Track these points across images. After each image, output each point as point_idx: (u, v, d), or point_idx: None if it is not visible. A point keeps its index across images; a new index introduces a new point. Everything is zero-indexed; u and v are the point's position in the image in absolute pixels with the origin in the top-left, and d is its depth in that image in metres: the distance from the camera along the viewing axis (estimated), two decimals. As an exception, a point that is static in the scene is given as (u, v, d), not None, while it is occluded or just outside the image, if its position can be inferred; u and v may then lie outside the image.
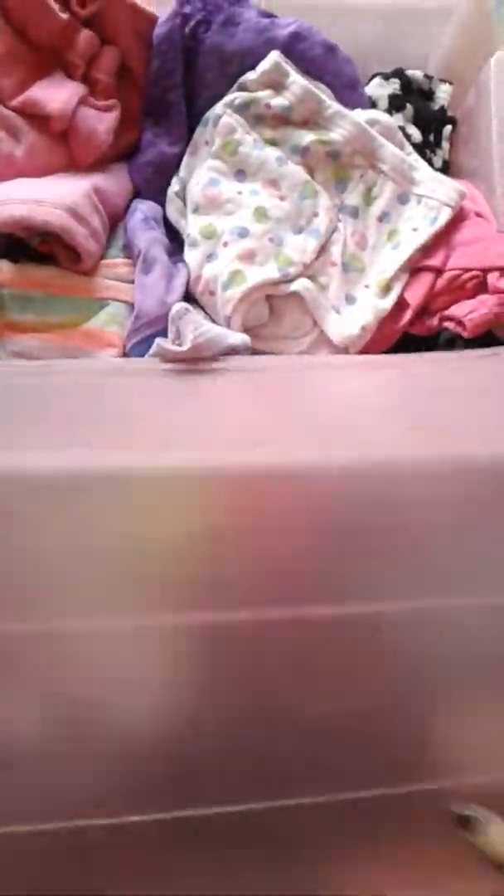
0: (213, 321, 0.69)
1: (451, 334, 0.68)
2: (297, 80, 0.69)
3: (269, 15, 0.71)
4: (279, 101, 0.69)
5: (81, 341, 0.67)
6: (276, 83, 0.69)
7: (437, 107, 0.79)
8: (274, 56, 0.69)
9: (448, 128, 0.79)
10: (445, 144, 0.79)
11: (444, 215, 0.69)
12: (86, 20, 0.69)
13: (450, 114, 0.79)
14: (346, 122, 0.69)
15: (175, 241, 0.71)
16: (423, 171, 0.71)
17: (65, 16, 0.67)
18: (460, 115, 0.79)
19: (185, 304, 0.65)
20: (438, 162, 0.78)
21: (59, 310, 0.67)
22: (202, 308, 0.70)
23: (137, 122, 0.72)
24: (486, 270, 0.67)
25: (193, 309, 0.65)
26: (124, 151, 0.73)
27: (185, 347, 0.62)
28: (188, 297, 0.69)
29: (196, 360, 0.63)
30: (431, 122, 0.78)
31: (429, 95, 0.79)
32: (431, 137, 0.78)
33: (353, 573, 0.61)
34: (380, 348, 0.70)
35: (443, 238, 0.69)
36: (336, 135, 0.70)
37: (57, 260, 0.68)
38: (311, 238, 0.69)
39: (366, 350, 0.69)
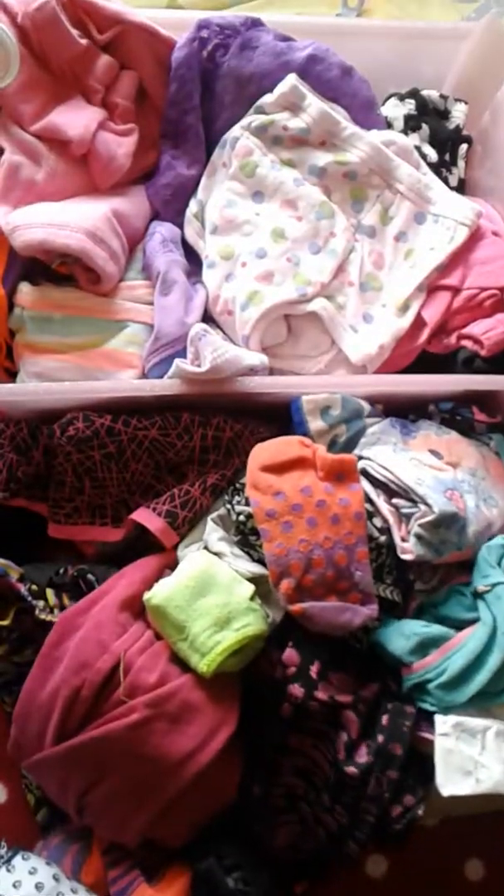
0: (232, 341, 0.69)
1: (468, 353, 0.68)
2: (313, 103, 0.69)
3: (286, 38, 0.72)
4: (296, 123, 0.70)
5: (101, 362, 0.68)
6: (294, 105, 0.70)
7: (452, 126, 0.79)
8: (291, 79, 0.69)
9: (464, 147, 0.79)
10: (461, 163, 0.79)
11: (461, 234, 0.69)
12: (104, 46, 0.69)
13: (465, 133, 0.79)
14: (362, 143, 0.70)
15: (193, 262, 0.72)
16: (439, 190, 0.71)
17: (84, 42, 0.68)
18: (476, 135, 0.80)
19: (203, 325, 0.65)
20: (454, 181, 0.78)
21: (79, 331, 0.68)
22: (220, 328, 0.71)
23: (155, 144, 0.73)
24: (503, 289, 0.67)
25: (212, 330, 0.66)
26: (142, 174, 0.74)
27: (204, 368, 0.62)
28: (206, 317, 0.70)
29: (215, 381, 0.63)
30: (447, 142, 0.78)
31: (444, 115, 0.80)
32: (447, 156, 0.79)
33: None
34: (397, 367, 0.70)
35: (460, 257, 0.69)
36: (353, 155, 0.70)
37: (77, 281, 0.68)
38: (329, 258, 0.69)
39: (384, 369, 0.69)
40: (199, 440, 0.64)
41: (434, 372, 0.69)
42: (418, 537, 0.60)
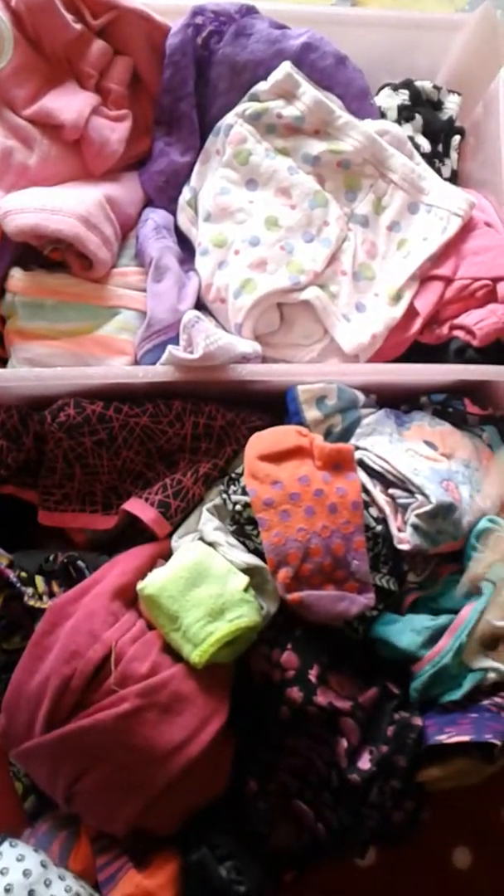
0: (225, 329, 0.69)
1: (461, 343, 0.68)
2: (308, 91, 0.69)
3: (281, 26, 0.72)
4: (291, 111, 0.70)
5: (93, 348, 0.67)
6: (288, 93, 0.70)
7: (445, 117, 0.79)
8: (286, 67, 0.69)
9: (457, 138, 0.79)
10: (454, 154, 0.79)
11: (454, 225, 0.69)
12: (99, 31, 0.69)
13: (458, 124, 0.80)
14: (356, 133, 0.70)
15: (186, 250, 0.72)
16: (432, 180, 0.72)
17: (78, 27, 0.67)
18: (469, 126, 0.80)
19: (196, 312, 0.65)
20: (447, 172, 0.79)
21: (71, 317, 0.68)
22: (213, 315, 0.70)
23: (149, 131, 0.73)
24: (495, 280, 0.67)
25: (205, 317, 0.66)
26: (136, 160, 0.74)
27: (196, 355, 0.62)
28: (199, 304, 0.70)
29: (207, 368, 0.63)
30: (440, 133, 0.78)
31: (437, 106, 0.80)
32: (440, 147, 0.79)
33: None
34: (390, 356, 0.71)
35: (452, 247, 0.70)
36: (347, 144, 0.70)
37: (69, 267, 0.68)
38: (322, 247, 0.69)
39: (376, 358, 0.69)
40: (190, 428, 0.64)
41: (426, 362, 0.69)
42: (415, 527, 0.61)
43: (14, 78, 0.67)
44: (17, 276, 0.67)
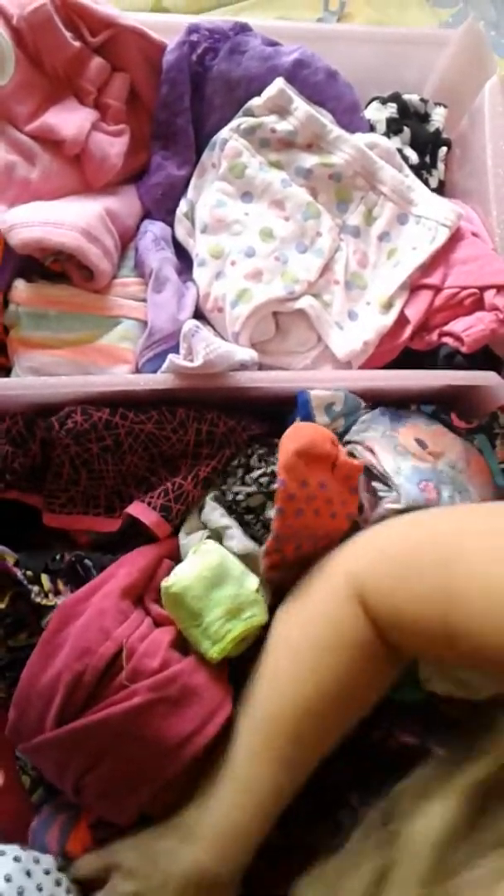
0: (222, 337, 0.72)
1: (450, 349, 0.71)
2: (300, 106, 0.72)
3: (274, 43, 0.74)
4: (284, 126, 0.72)
5: (95, 357, 0.70)
6: (281, 108, 0.72)
7: (432, 129, 0.82)
8: (279, 83, 0.71)
9: (443, 149, 0.82)
10: (441, 165, 0.82)
11: (442, 235, 0.72)
12: (97, 48, 0.71)
13: (444, 136, 0.82)
14: (347, 146, 0.72)
15: (184, 260, 0.74)
16: (421, 192, 0.74)
17: (77, 44, 0.69)
18: (455, 138, 0.82)
19: (196, 322, 0.67)
20: (434, 182, 0.81)
21: (74, 327, 0.70)
22: (211, 324, 0.73)
23: (146, 144, 0.75)
24: (482, 288, 0.70)
25: (203, 326, 0.68)
26: (133, 173, 0.76)
27: (197, 363, 0.64)
28: (197, 313, 0.72)
29: (207, 375, 0.66)
30: (427, 145, 0.81)
31: (424, 118, 0.82)
32: (427, 159, 0.81)
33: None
34: (381, 362, 0.73)
35: (441, 257, 0.72)
36: (338, 158, 0.73)
37: (70, 278, 0.70)
38: (315, 257, 0.72)
39: (368, 364, 0.72)
40: (193, 435, 0.66)
41: (416, 367, 0.72)
42: (382, 518, 0.64)
43: (16, 94, 0.68)
44: (20, 288, 0.69)
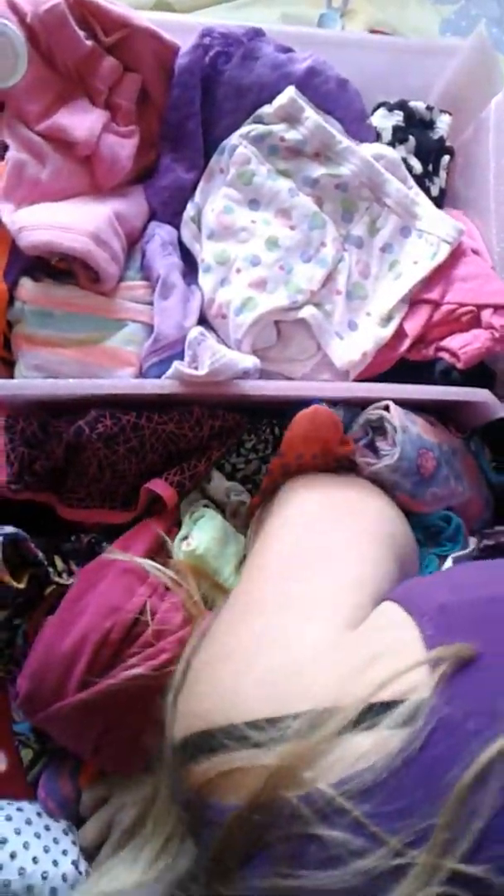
0: (225, 342, 0.73)
1: (445, 365, 0.73)
2: (311, 116, 0.72)
3: (287, 49, 0.74)
4: (293, 135, 0.73)
5: (100, 359, 0.71)
6: (291, 117, 0.73)
7: (436, 137, 0.83)
8: (290, 91, 0.72)
9: (446, 158, 0.83)
10: (443, 173, 0.83)
11: (444, 251, 0.74)
12: (109, 48, 0.71)
13: (448, 143, 0.83)
14: (355, 158, 0.73)
15: (189, 263, 0.75)
16: (424, 206, 0.76)
17: (90, 43, 0.69)
18: (458, 146, 0.83)
19: (201, 329, 0.69)
20: (436, 190, 0.82)
21: (79, 327, 0.71)
22: (214, 329, 0.74)
23: (155, 144, 0.75)
24: (480, 307, 0.72)
25: (209, 333, 0.70)
26: (142, 173, 0.76)
27: (202, 372, 0.66)
28: (201, 317, 0.73)
29: (211, 383, 0.67)
30: (431, 153, 0.82)
31: (429, 125, 0.83)
32: (430, 167, 0.83)
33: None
34: (378, 372, 0.75)
35: (441, 273, 0.74)
36: (345, 169, 0.74)
37: (76, 278, 0.71)
38: (319, 267, 0.73)
39: (365, 374, 0.74)
40: (207, 431, 0.70)
41: (412, 378, 0.74)
42: (374, 475, 0.69)
43: (28, 93, 0.68)
44: (28, 287, 0.70)
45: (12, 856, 0.62)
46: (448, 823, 0.37)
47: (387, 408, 0.69)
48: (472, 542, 0.72)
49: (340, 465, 0.70)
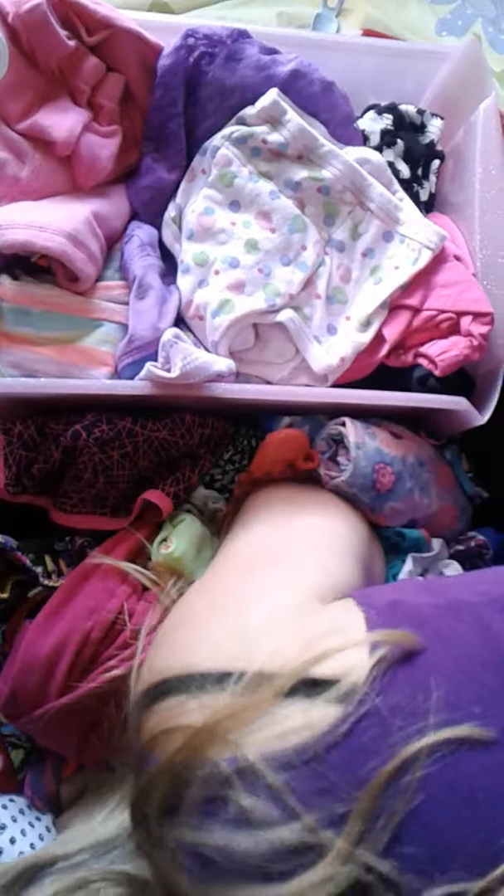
0: (202, 343, 0.73)
1: (423, 371, 0.72)
2: (293, 118, 0.72)
3: (272, 51, 0.74)
4: (275, 137, 0.72)
5: (75, 358, 0.71)
6: (274, 119, 0.72)
7: (427, 140, 0.82)
8: (273, 94, 0.71)
9: (436, 162, 0.82)
10: (433, 178, 0.82)
11: (425, 257, 0.73)
12: (92, 48, 0.71)
13: (438, 147, 0.82)
14: (338, 161, 0.73)
15: (169, 263, 0.75)
16: (408, 212, 0.75)
17: (72, 43, 0.69)
18: (449, 150, 0.82)
19: (175, 331, 0.69)
20: (425, 195, 0.81)
21: (56, 326, 0.71)
22: (191, 330, 0.74)
23: (137, 144, 0.75)
24: (459, 314, 0.71)
25: (184, 335, 0.69)
26: (123, 172, 0.76)
27: (174, 374, 0.66)
28: (179, 318, 0.73)
29: (184, 385, 0.67)
30: (420, 157, 0.81)
31: (420, 129, 0.82)
32: (419, 171, 0.82)
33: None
34: (356, 377, 0.75)
35: (422, 279, 0.73)
36: (328, 172, 0.73)
37: (55, 275, 0.71)
38: (299, 270, 0.72)
39: (343, 379, 0.74)
40: (197, 439, 0.70)
41: (390, 383, 0.73)
42: (335, 488, 0.69)
43: (9, 92, 0.68)
44: (6, 285, 0.70)
45: (12, 841, 0.65)
46: (362, 814, 0.38)
47: (343, 423, 0.69)
48: (438, 545, 0.72)
49: (309, 477, 0.70)
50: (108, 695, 0.60)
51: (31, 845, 0.66)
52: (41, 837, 0.67)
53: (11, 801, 0.70)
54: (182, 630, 0.53)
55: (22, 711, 0.63)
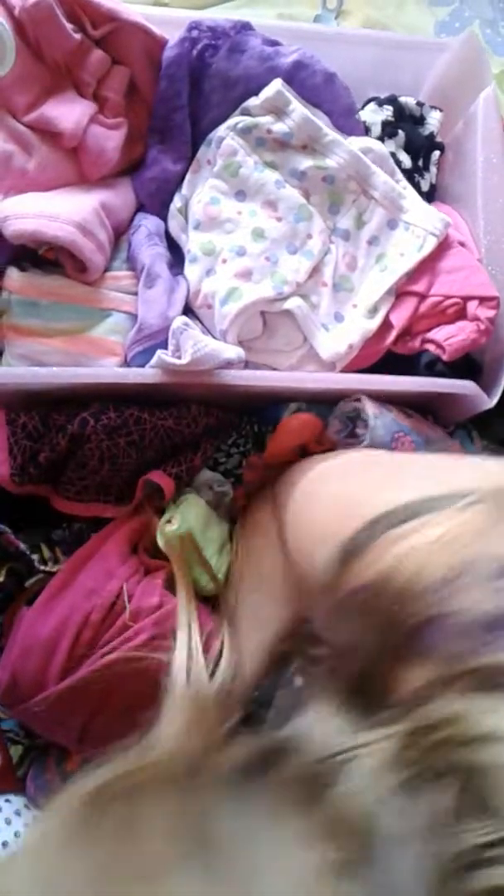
0: (210, 332, 0.73)
1: (431, 357, 0.72)
2: (297, 108, 0.73)
3: (275, 42, 0.74)
4: (280, 127, 0.73)
5: (85, 348, 0.71)
6: (278, 109, 0.73)
7: (426, 133, 0.83)
8: (276, 84, 0.72)
9: (436, 153, 0.83)
10: (433, 169, 0.83)
11: (430, 244, 0.74)
12: (98, 40, 0.71)
13: (438, 139, 0.83)
14: (341, 150, 0.73)
15: (175, 254, 0.75)
16: (411, 199, 0.76)
17: (78, 36, 0.70)
18: (449, 141, 0.83)
19: (185, 319, 0.69)
20: (426, 185, 0.82)
21: (65, 317, 0.71)
22: (200, 319, 0.74)
23: (143, 137, 0.76)
24: (466, 299, 0.72)
25: (193, 323, 0.70)
26: (129, 165, 0.77)
27: (184, 361, 0.66)
28: (187, 308, 0.74)
29: (193, 372, 0.67)
30: (421, 148, 0.82)
31: (419, 121, 0.83)
32: (420, 162, 0.83)
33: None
34: (364, 364, 0.75)
35: (427, 265, 0.74)
36: (332, 161, 0.74)
37: (62, 268, 0.71)
38: (305, 259, 0.73)
39: (351, 366, 0.74)
40: (202, 428, 0.71)
41: (398, 370, 0.73)
42: None
43: (15, 85, 0.69)
44: (14, 277, 0.70)
45: (16, 834, 0.65)
46: None
47: (359, 399, 0.69)
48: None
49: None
50: (109, 679, 0.60)
51: None
52: None
53: (7, 801, 0.70)
54: (369, 474, 0.51)
55: (23, 697, 0.63)
